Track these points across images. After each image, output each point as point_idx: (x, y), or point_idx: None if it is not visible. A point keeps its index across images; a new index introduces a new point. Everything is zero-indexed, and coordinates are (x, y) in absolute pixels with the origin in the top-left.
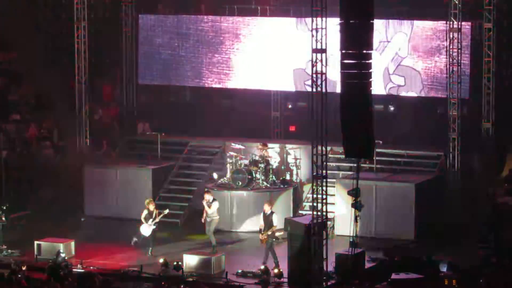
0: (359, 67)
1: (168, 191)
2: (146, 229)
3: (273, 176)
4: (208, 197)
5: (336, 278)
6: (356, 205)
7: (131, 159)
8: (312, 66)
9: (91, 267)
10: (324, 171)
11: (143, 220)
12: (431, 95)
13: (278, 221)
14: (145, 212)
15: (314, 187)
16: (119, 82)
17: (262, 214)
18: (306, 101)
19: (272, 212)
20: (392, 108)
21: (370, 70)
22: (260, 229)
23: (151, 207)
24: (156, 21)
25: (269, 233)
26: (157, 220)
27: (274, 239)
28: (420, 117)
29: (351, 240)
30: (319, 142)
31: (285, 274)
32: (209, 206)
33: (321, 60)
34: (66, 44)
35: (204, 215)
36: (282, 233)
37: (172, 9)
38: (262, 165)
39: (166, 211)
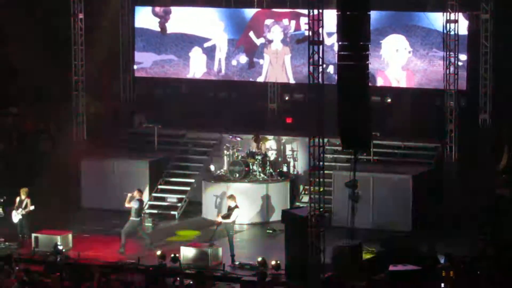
0: (356, 59)
1: (165, 183)
2: (15, 217)
3: (270, 168)
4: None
5: (333, 270)
6: (353, 197)
7: (128, 151)
8: (309, 58)
9: (89, 259)
10: (321, 163)
11: (15, 207)
12: (428, 86)
13: (235, 218)
14: (18, 199)
15: (311, 179)
16: (116, 75)
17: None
18: (303, 93)
19: (236, 206)
20: (389, 100)
21: (367, 62)
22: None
23: (23, 196)
24: (153, 12)
25: (220, 219)
26: (23, 212)
27: (231, 232)
28: (417, 109)
29: (348, 231)
30: (316, 134)
31: (283, 266)
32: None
33: (318, 52)
34: (64, 37)
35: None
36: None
37: (168, 0)
38: (259, 157)
39: (32, 207)
